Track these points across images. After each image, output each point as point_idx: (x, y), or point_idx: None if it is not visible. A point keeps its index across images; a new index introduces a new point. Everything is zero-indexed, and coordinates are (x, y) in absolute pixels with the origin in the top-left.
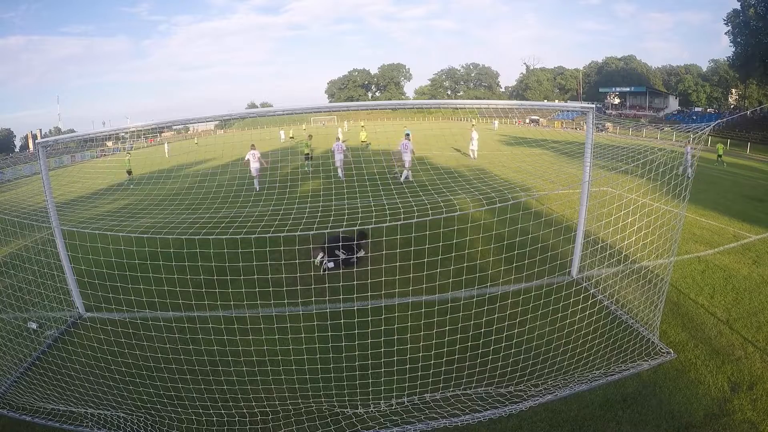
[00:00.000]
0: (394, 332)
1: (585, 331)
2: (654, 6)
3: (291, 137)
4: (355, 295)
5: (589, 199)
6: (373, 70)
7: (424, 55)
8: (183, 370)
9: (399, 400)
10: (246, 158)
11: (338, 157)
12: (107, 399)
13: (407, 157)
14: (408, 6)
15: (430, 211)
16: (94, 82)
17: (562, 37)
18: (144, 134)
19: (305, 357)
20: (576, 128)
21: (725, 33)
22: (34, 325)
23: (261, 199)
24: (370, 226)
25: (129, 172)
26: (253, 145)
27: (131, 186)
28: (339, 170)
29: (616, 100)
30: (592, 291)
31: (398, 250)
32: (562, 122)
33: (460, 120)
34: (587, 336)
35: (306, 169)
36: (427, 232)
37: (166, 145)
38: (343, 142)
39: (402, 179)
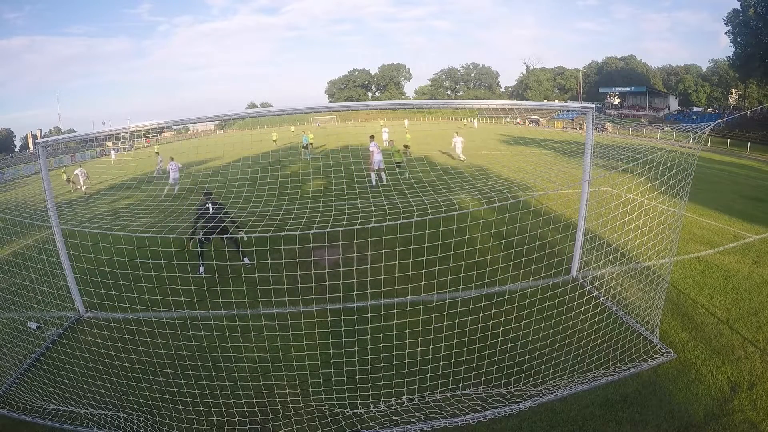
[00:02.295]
0: (394, 332)
1: (585, 331)
2: (653, 6)
3: (274, 140)
4: (355, 294)
5: (588, 199)
6: (373, 70)
7: (424, 55)
8: (183, 369)
9: (399, 400)
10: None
11: (378, 158)
12: (107, 399)
13: (378, 157)
14: (407, 7)
15: (429, 211)
16: (95, 82)
17: (561, 38)
18: (144, 134)
19: (305, 356)
20: (576, 128)
21: (725, 33)
22: (34, 325)
23: (261, 199)
24: (370, 226)
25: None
26: (372, 136)
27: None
28: (382, 174)
29: (616, 100)
30: (591, 290)
31: (398, 249)
32: (563, 122)
33: (459, 119)
34: (587, 336)
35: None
36: (427, 232)
37: (112, 152)
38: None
39: (374, 183)
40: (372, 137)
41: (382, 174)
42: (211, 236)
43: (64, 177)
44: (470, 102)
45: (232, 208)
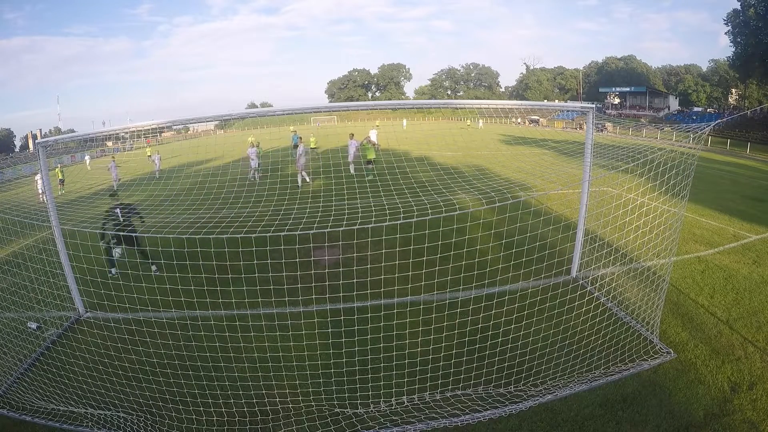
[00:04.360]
0: (394, 332)
1: (585, 331)
2: (653, 6)
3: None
4: (355, 294)
5: (588, 199)
6: (373, 70)
7: (424, 55)
8: (183, 370)
9: (399, 400)
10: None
11: (302, 161)
12: (107, 399)
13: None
14: (407, 7)
15: (429, 211)
16: (95, 82)
17: (561, 38)
18: (144, 134)
19: (305, 356)
20: (576, 128)
21: (725, 33)
22: (34, 325)
23: (261, 199)
24: (370, 226)
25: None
26: (300, 138)
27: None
28: (304, 173)
29: (616, 100)
30: (591, 290)
31: (398, 249)
32: (563, 122)
33: (460, 119)
34: (587, 336)
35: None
36: (427, 232)
37: (87, 157)
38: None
39: (300, 183)
40: (300, 138)
41: (304, 173)
42: (120, 243)
43: (60, 176)
44: (470, 102)
45: (231, 208)
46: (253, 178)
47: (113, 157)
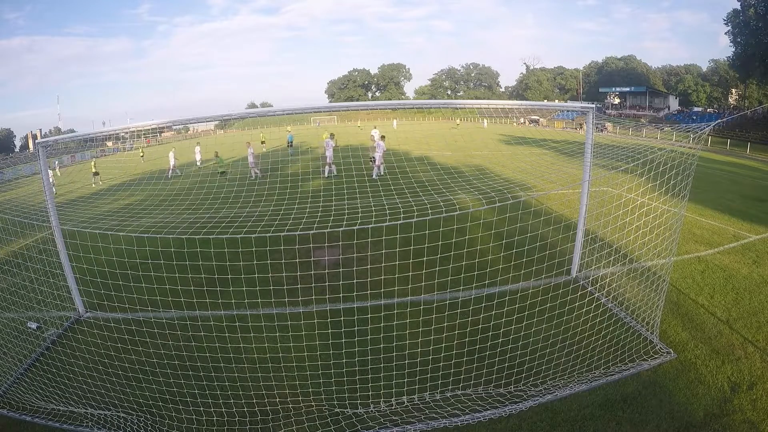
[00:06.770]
0: (394, 332)
1: (585, 332)
2: (653, 6)
3: (262, 142)
4: (355, 295)
5: (588, 199)
6: (373, 70)
7: (424, 55)
8: (183, 370)
9: (399, 400)
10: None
11: (328, 154)
12: (107, 399)
13: (329, 153)
14: (407, 7)
15: (429, 211)
16: (95, 82)
17: (561, 38)
18: (144, 134)
19: (305, 357)
20: (576, 128)
21: (725, 33)
22: (34, 325)
23: (261, 199)
24: (370, 226)
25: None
26: (332, 134)
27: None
28: (333, 167)
29: (616, 100)
30: (592, 290)
31: (398, 249)
32: (563, 122)
33: (459, 119)
34: (587, 336)
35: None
36: (427, 232)
37: (57, 162)
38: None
39: (326, 175)
40: (332, 135)
41: (333, 167)
42: None
43: (93, 170)
44: (470, 102)
45: (231, 207)
46: (254, 176)
47: (174, 147)
